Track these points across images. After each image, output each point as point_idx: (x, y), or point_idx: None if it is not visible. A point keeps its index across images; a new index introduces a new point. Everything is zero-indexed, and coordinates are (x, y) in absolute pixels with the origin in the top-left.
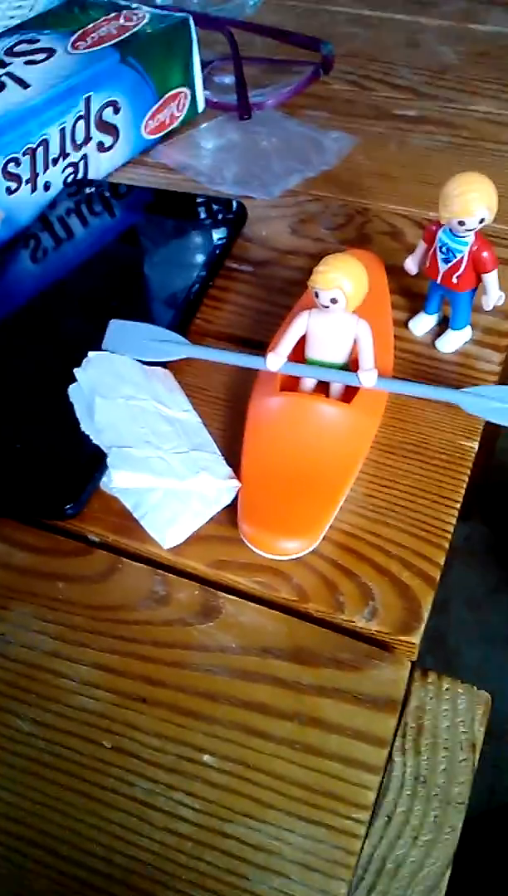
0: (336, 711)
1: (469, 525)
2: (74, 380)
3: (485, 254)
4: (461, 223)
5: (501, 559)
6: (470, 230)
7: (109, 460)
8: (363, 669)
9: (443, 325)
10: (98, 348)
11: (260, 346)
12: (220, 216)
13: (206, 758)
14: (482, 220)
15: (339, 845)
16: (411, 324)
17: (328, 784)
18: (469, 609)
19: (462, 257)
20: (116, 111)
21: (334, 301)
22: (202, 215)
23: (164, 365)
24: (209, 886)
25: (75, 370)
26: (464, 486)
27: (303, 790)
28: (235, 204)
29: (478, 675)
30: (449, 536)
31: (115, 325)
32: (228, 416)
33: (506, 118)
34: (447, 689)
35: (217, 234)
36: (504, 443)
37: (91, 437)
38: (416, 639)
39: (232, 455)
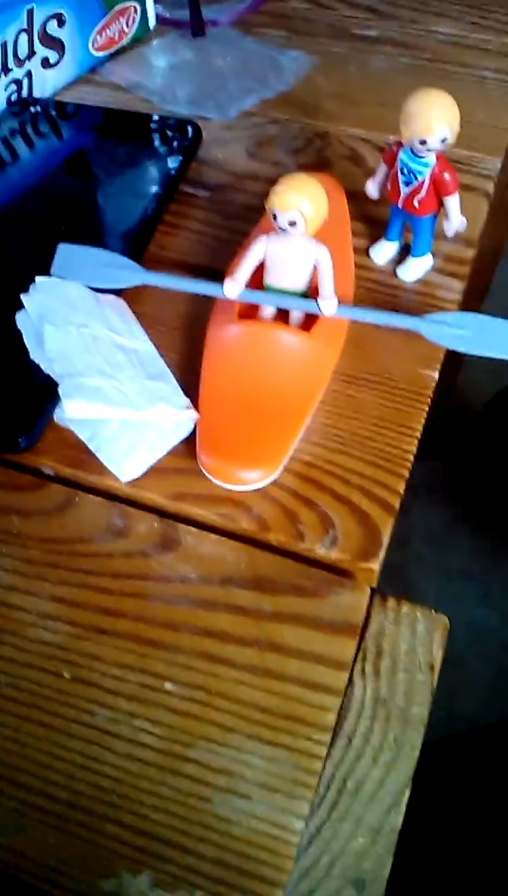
0: (296, 637)
1: (426, 464)
2: (21, 306)
3: (447, 175)
4: (422, 142)
5: (458, 495)
6: (432, 150)
7: (61, 390)
8: (323, 596)
9: (405, 253)
10: (47, 274)
11: (217, 275)
12: (173, 138)
13: (167, 685)
14: (444, 140)
15: (300, 766)
16: (372, 251)
17: (289, 707)
18: (428, 544)
19: (424, 180)
20: (61, 24)
21: (292, 224)
22: (155, 136)
23: (117, 293)
24: (172, 810)
25: (22, 296)
26: (424, 415)
27: (264, 714)
28: (189, 125)
29: (436, 607)
30: (409, 465)
31: (64, 249)
32: (184, 347)
33: (469, 40)
34: (406, 614)
35: (171, 157)
36: (462, 378)
37: (42, 366)
38: (375, 565)
39: (189, 386)
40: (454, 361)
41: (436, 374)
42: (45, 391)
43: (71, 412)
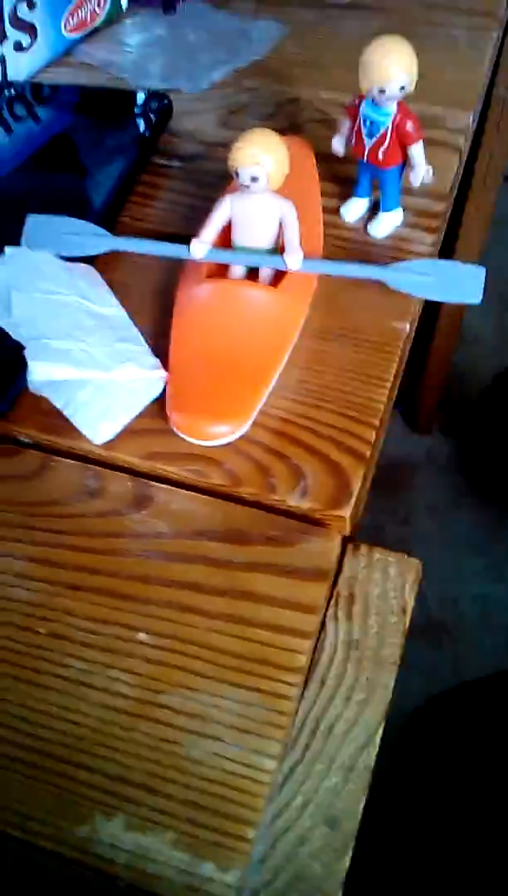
0: (268, 584)
1: (431, 439)
2: None
3: (409, 124)
4: (381, 91)
5: (462, 469)
6: (392, 99)
7: (27, 352)
8: (295, 545)
9: (376, 210)
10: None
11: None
12: (144, 110)
13: (140, 636)
14: (402, 88)
15: (272, 708)
16: (342, 209)
17: (260, 651)
18: (433, 519)
19: (386, 130)
20: (31, 7)
21: (254, 179)
22: (126, 110)
23: (88, 262)
24: (145, 755)
25: None
26: (395, 365)
27: (236, 659)
28: (159, 97)
29: (442, 580)
30: (380, 414)
31: (33, 219)
32: (155, 313)
33: (439, 0)
34: (378, 559)
35: (143, 129)
36: (462, 357)
37: (10, 333)
38: (346, 512)
39: (161, 350)
40: (447, 341)
41: (407, 326)
42: (17, 360)
43: (37, 374)
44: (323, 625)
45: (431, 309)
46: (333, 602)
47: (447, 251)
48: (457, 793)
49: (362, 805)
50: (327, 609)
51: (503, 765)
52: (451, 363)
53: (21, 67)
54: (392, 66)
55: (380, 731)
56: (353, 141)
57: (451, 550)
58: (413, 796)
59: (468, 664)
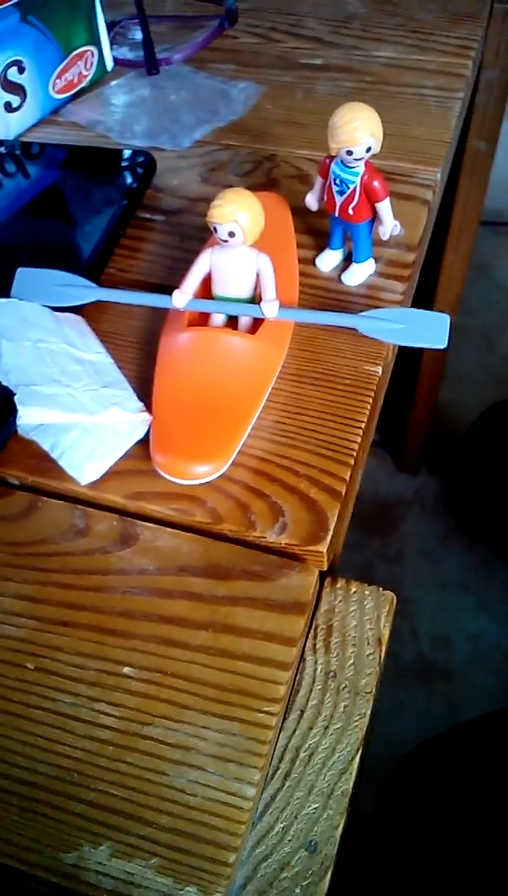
0: (248, 617)
1: (419, 478)
2: None
3: (376, 183)
4: (349, 153)
5: (451, 508)
6: (359, 160)
7: (17, 398)
8: (274, 579)
9: (349, 261)
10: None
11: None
12: (129, 168)
13: (126, 670)
14: (369, 149)
15: (252, 737)
16: (318, 260)
17: (241, 682)
18: (423, 558)
19: (355, 188)
20: (21, 71)
21: (232, 234)
22: (111, 167)
23: (75, 311)
24: (130, 784)
25: None
26: (369, 406)
27: (217, 690)
28: (144, 155)
29: (433, 620)
30: (354, 454)
31: (22, 273)
32: (141, 359)
33: (407, 62)
34: (354, 592)
35: (127, 186)
36: (446, 395)
37: (0, 379)
38: (323, 548)
39: (146, 394)
40: (431, 381)
41: (380, 370)
42: (8, 405)
43: (26, 418)
44: (302, 656)
45: (414, 350)
46: (311, 634)
47: (427, 297)
48: (446, 838)
49: (340, 830)
50: (305, 641)
51: (492, 809)
52: (437, 403)
53: (11, 127)
54: (358, 130)
55: (357, 758)
56: (325, 197)
57: (442, 589)
58: (402, 842)
59: (462, 704)
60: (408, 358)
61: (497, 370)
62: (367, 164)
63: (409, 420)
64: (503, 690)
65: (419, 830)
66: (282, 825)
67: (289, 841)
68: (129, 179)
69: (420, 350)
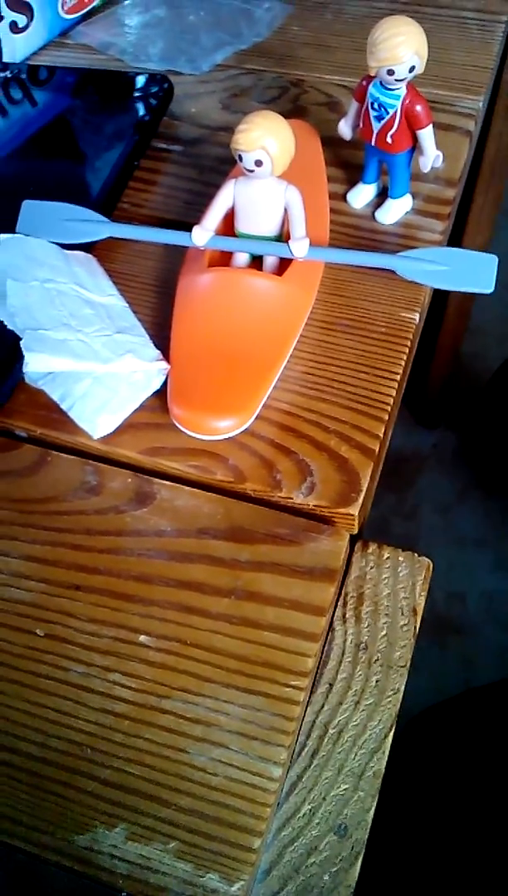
0: (273, 584)
1: (437, 433)
2: None
3: (419, 107)
4: (390, 72)
5: (468, 463)
6: (401, 80)
7: (22, 343)
8: (302, 543)
9: (384, 197)
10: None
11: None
12: (144, 93)
13: (142, 638)
14: (412, 69)
15: (278, 713)
16: (349, 196)
17: (266, 654)
18: (439, 514)
19: (395, 112)
20: None
21: (258, 164)
22: (125, 93)
23: (87, 249)
24: (147, 762)
25: None
26: (405, 357)
27: (240, 662)
28: (159, 79)
29: (448, 576)
30: (389, 408)
31: (28, 206)
32: (157, 302)
33: None
34: (387, 558)
35: (142, 112)
36: (467, 347)
37: (5, 322)
38: (354, 510)
39: (162, 341)
40: (456, 331)
41: (417, 317)
42: (14, 351)
43: (34, 365)
44: (331, 626)
45: (439, 299)
46: (341, 603)
47: (454, 239)
48: (456, 802)
49: (372, 812)
50: (334, 610)
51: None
52: (458, 353)
53: (17, 49)
54: (401, 46)
55: (390, 737)
56: (361, 124)
57: (458, 545)
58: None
59: (476, 662)
60: (433, 305)
61: None
62: (409, 86)
63: (429, 372)
64: None
65: (428, 796)
66: (309, 806)
67: (317, 824)
68: (144, 107)
69: (446, 297)
